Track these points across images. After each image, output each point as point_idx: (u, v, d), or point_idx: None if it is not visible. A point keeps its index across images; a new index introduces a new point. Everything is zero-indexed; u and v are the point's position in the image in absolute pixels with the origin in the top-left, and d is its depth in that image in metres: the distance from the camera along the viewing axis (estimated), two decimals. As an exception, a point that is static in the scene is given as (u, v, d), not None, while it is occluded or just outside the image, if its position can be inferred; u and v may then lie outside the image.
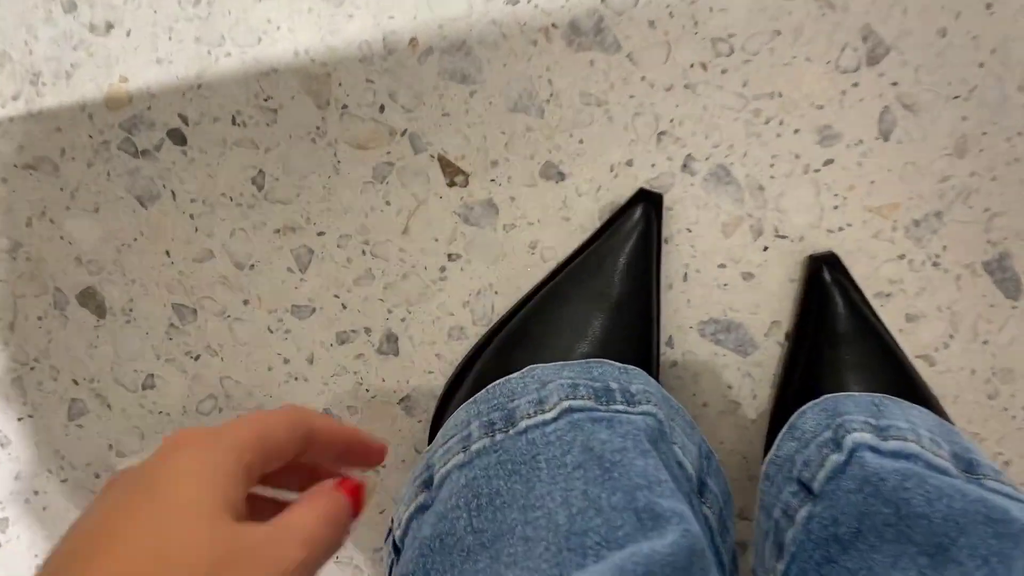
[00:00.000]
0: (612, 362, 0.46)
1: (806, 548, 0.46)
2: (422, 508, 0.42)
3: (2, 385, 0.58)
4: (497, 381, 0.45)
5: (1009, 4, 0.50)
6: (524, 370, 0.45)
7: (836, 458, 0.46)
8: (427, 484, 0.42)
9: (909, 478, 0.43)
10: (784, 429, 0.50)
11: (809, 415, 0.50)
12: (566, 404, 0.42)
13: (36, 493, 0.60)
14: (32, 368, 0.58)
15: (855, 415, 0.48)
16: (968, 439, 0.49)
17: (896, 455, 0.46)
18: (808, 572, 0.46)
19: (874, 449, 0.46)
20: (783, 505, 0.48)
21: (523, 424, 0.42)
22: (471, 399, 0.44)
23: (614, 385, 0.44)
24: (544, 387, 0.43)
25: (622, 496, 0.39)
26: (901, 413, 0.48)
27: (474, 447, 0.42)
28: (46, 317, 0.57)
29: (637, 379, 0.45)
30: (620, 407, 0.43)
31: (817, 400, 0.50)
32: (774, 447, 0.51)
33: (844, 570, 0.45)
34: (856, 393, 0.50)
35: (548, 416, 0.42)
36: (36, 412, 0.58)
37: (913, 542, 0.42)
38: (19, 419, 0.59)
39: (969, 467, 0.45)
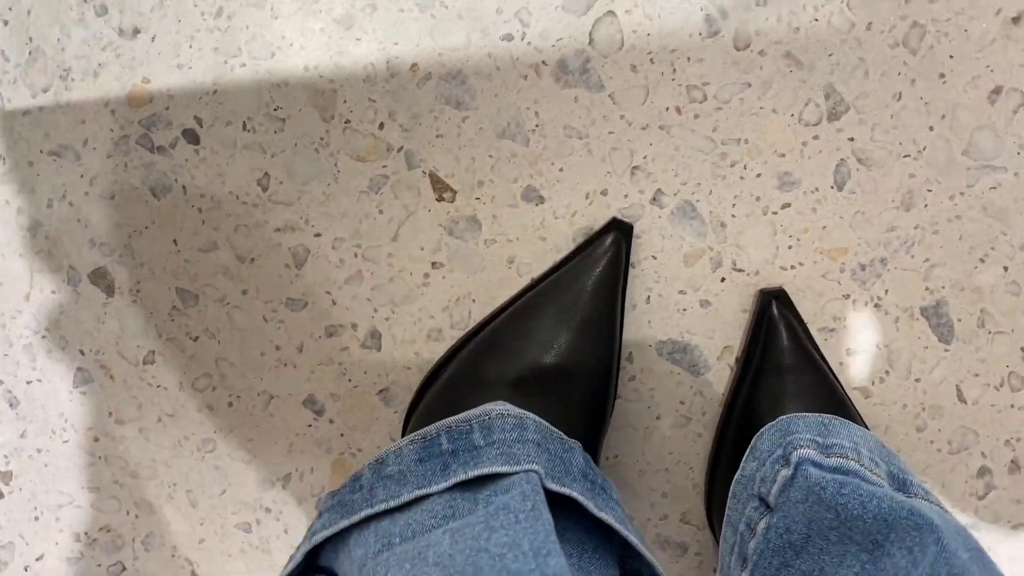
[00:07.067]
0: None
1: (765, 556, 0.50)
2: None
3: (15, 351, 0.63)
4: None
5: (960, 75, 0.55)
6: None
7: (785, 472, 0.50)
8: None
9: (845, 485, 0.47)
10: (748, 451, 0.55)
11: (766, 436, 0.54)
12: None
13: (39, 451, 0.65)
14: (44, 337, 0.62)
15: (803, 434, 0.52)
16: (904, 462, 0.54)
17: (836, 470, 0.50)
18: None
19: (817, 464, 0.50)
20: (746, 520, 0.52)
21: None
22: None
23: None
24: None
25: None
26: (847, 434, 0.52)
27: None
28: (59, 292, 0.61)
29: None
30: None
31: (774, 422, 0.54)
32: (740, 468, 0.55)
33: (799, 572, 0.49)
34: (809, 414, 0.55)
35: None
36: (44, 377, 0.63)
37: (854, 541, 0.47)
38: (28, 382, 0.64)
39: (902, 486, 0.50)
